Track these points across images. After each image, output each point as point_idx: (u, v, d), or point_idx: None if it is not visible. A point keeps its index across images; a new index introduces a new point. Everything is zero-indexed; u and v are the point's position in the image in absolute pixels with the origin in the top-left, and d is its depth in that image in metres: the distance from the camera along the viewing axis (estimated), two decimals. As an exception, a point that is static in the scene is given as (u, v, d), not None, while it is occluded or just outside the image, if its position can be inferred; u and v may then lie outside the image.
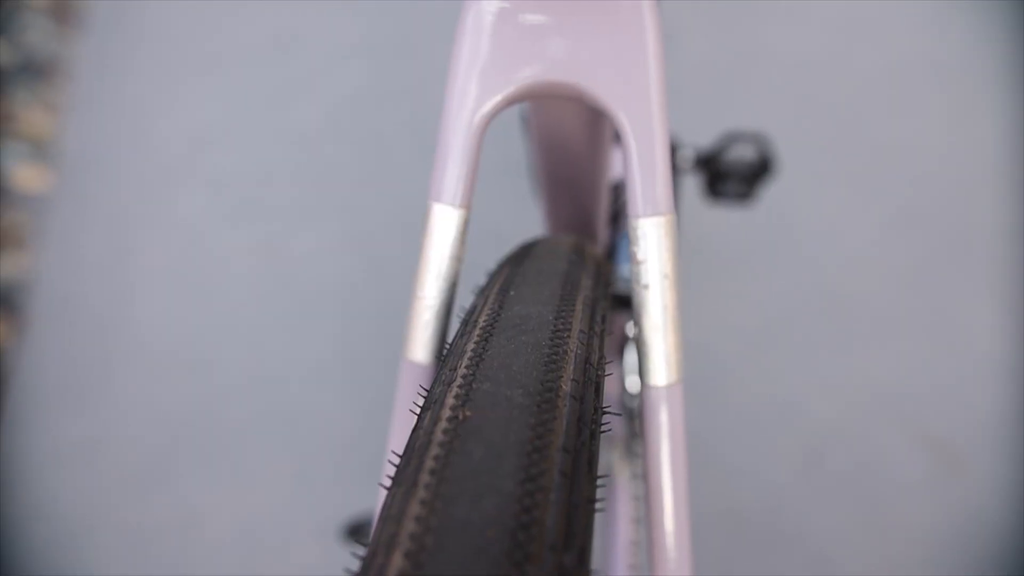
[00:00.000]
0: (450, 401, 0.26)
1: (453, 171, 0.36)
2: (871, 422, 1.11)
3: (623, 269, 0.67)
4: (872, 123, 1.30)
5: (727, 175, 0.93)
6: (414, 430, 0.26)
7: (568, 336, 0.30)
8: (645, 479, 0.39)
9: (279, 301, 1.21)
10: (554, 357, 0.28)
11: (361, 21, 1.40)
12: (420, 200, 1.25)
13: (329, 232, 1.25)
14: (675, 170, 0.91)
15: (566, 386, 0.27)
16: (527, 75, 0.35)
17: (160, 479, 1.10)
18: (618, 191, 0.67)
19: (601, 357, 0.31)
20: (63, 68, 1.40)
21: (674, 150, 0.91)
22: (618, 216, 0.69)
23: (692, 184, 1.09)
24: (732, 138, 0.90)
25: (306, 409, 1.13)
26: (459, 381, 0.27)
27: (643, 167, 0.35)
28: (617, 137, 0.38)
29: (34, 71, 1.40)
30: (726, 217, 1.21)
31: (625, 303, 0.71)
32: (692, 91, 1.31)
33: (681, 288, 1.19)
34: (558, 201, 0.55)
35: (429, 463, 0.24)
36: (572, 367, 0.28)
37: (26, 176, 1.31)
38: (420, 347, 0.37)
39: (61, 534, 1.08)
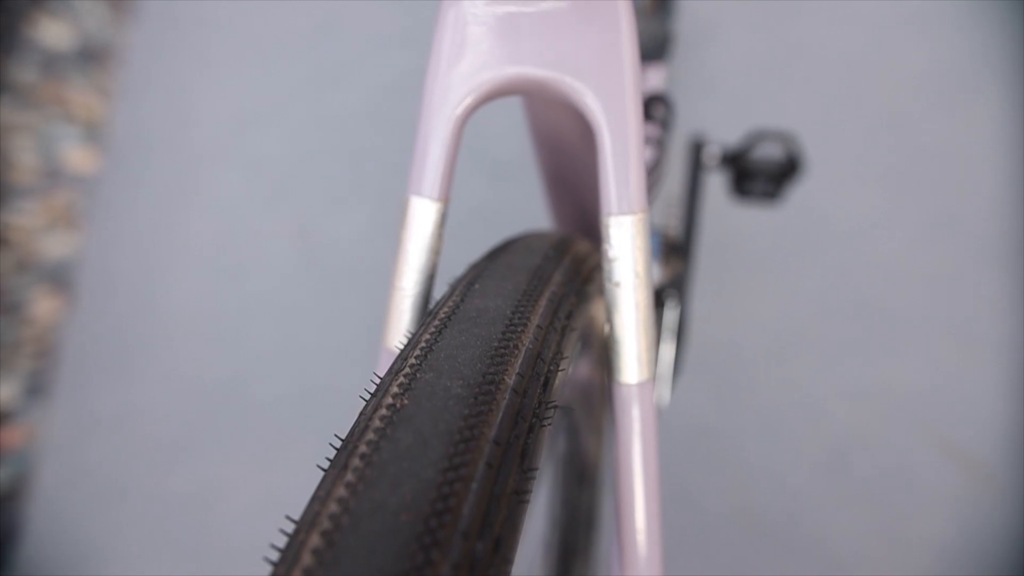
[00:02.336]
0: (393, 389, 0.27)
1: (431, 165, 0.37)
2: (896, 429, 1.08)
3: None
4: (912, 125, 1.26)
5: (753, 173, 0.91)
6: (358, 416, 0.27)
7: (522, 331, 0.31)
8: (615, 477, 0.39)
9: (310, 283, 1.24)
10: (501, 351, 0.29)
11: (400, 11, 1.41)
12: (454, 189, 1.26)
13: (361, 217, 1.27)
14: (700, 167, 0.90)
15: (509, 379, 0.28)
16: (503, 72, 0.36)
17: (189, 450, 1.14)
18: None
19: (557, 353, 0.32)
20: (116, 54, 1.45)
21: (699, 147, 0.91)
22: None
23: (718, 182, 1.08)
24: (759, 136, 0.89)
25: (331, 389, 1.16)
26: (406, 370, 0.28)
27: (617, 165, 0.36)
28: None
29: (90, 57, 1.46)
30: (757, 215, 1.19)
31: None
32: (727, 88, 1.29)
33: (708, 284, 1.18)
34: (559, 197, 0.55)
35: (361, 448, 0.25)
36: (520, 361, 0.29)
37: (79, 158, 1.37)
38: (397, 336, 0.38)
39: (95, 499, 1.13)
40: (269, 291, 1.24)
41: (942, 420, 1.09)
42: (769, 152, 0.90)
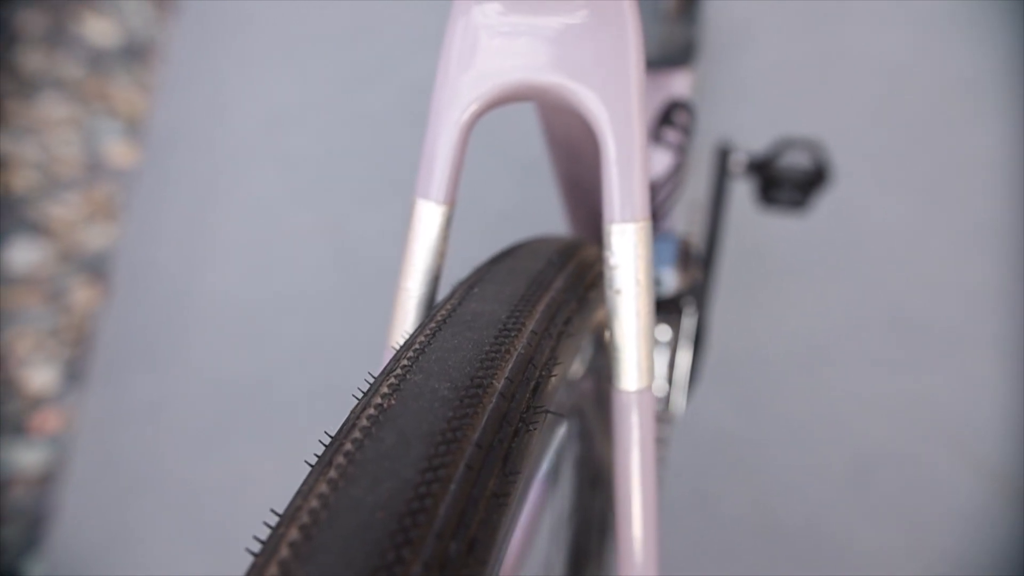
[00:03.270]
0: (383, 389, 0.28)
1: (438, 169, 0.38)
2: (925, 445, 1.07)
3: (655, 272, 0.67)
4: (952, 133, 1.24)
5: (780, 182, 0.91)
6: (348, 414, 0.28)
7: (515, 336, 0.31)
8: (614, 482, 0.40)
9: (340, 279, 1.25)
10: (492, 355, 0.29)
11: (435, 13, 1.42)
12: (484, 190, 1.27)
13: (393, 215, 1.29)
14: (726, 174, 0.90)
15: (497, 383, 0.28)
16: (509, 79, 0.36)
17: (218, 441, 1.17)
18: (652, 193, 0.66)
19: (551, 358, 0.32)
20: (158, 51, 1.48)
21: (726, 154, 0.90)
22: (654, 218, 0.69)
23: (744, 190, 1.07)
24: (786, 144, 0.88)
25: (358, 385, 1.18)
26: (397, 371, 0.29)
27: (620, 172, 0.36)
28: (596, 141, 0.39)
29: (133, 54, 1.49)
30: (790, 223, 1.18)
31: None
32: (759, 94, 1.28)
33: (736, 291, 1.17)
34: (574, 202, 0.55)
35: (347, 446, 0.25)
36: (510, 366, 0.29)
37: (119, 152, 1.41)
38: (399, 335, 0.39)
39: (127, 485, 1.16)
40: (300, 287, 1.26)
41: (972, 436, 1.06)
42: (796, 160, 0.89)
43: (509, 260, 0.38)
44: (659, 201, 0.70)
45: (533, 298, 0.34)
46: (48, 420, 1.19)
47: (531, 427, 0.28)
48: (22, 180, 1.37)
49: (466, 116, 0.37)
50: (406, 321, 0.39)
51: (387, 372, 0.29)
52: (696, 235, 0.84)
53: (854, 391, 1.11)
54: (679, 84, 0.77)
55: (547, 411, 0.31)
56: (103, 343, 1.25)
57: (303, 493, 0.24)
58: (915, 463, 1.06)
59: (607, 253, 0.36)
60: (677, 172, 0.67)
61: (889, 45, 1.30)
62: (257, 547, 0.24)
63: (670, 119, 0.68)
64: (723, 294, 1.18)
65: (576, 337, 0.36)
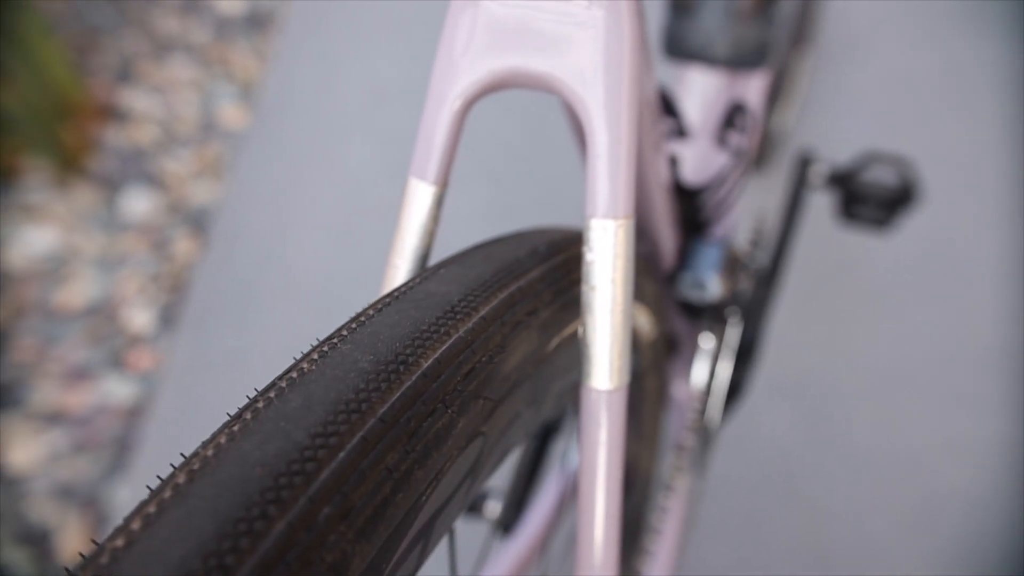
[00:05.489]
0: (313, 355, 0.29)
1: (432, 150, 0.38)
2: (1000, 491, 0.99)
3: (692, 276, 0.66)
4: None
5: (862, 198, 0.86)
6: (276, 376, 0.29)
7: (462, 319, 0.31)
8: (578, 482, 0.39)
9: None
10: (428, 334, 0.30)
11: None
12: (567, 181, 1.27)
13: (478, 198, 1.31)
14: (804, 184, 0.86)
15: (424, 362, 0.29)
16: (503, 65, 0.36)
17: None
18: (699, 196, 0.65)
19: (499, 346, 0.32)
20: (277, 21, 1.56)
21: (806, 163, 0.86)
22: (702, 223, 0.67)
23: (823, 202, 1.02)
24: (871, 158, 0.83)
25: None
26: (334, 340, 0.30)
27: (604, 167, 0.35)
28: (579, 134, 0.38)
29: (255, 23, 1.58)
30: (882, 242, 1.11)
31: (692, 311, 0.69)
32: (870, 107, 1.21)
33: (813, 308, 1.12)
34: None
35: (259, 403, 0.27)
36: (444, 348, 0.30)
37: (232, 115, 1.49)
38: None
39: (204, 426, 1.24)
40: (379, 259, 1.30)
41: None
42: (882, 176, 0.85)
43: (492, 246, 0.39)
44: (710, 205, 0.68)
45: (496, 284, 0.34)
46: (142, 358, 1.29)
47: (451, 409, 0.29)
48: (145, 134, 1.48)
49: (461, 101, 0.37)
50: (390, 296, 0.40)
51: (327, 339, 0.30)
52: (761, 245, 0.81)
53: (933, 427, 1.04)
54: (747, 87, 0.74)
55: (481, 397, 0.31)
56: (196, 293, 1.33)
57: (205, 443, 0.25)
58: (988, 511, 0.98)
59: (585, 248, 0.36)
60: (732, 177, 0.65)
61: (1010, 64, 1.20)
62: (155, 485, 0.25)
63: (732, 122, 0.65)
64: (802, 307, 1.13)
65: (542, 329, 0.36)
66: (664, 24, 0.70)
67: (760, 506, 1.04)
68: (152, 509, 0.23)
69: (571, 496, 0.83)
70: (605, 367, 0.37)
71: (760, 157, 1.11)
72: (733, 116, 0.65)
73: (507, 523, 0.79)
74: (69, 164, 1.41)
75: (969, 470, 1.00)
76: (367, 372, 0.27)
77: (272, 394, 0.27)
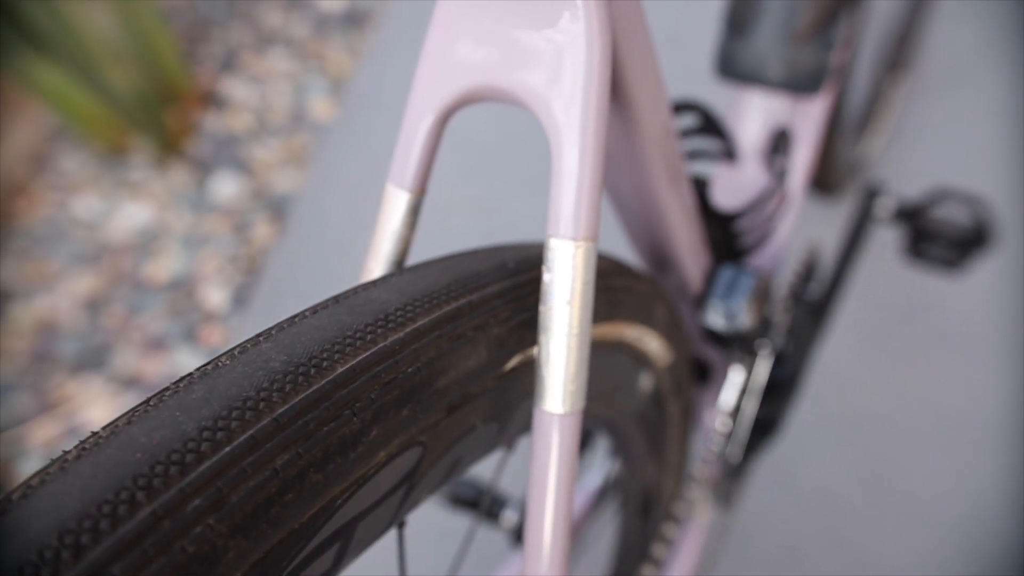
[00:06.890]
0: (235, 351, 0.29)
1: (410, 158, 0.39)
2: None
3: (718, 304, 0.63)
4: None
5: (931, 235, 0.81)
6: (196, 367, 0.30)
7: (393, 328, 0.31)
8: (527, 509, 0.38)
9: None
10: (352, 340, 0.30)
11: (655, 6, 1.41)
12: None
13: (539, 204, 1.30)
14: (868, 217, 0.82)
15: (339, 368, 0.29)
16: (478, 79, 0.36)
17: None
18: (732, 221, 0.62)
19: (431, 359, 0.32)
20: (373, 20, 1.60)
21: (872, 195, 0.82)
22: (735, 251, 0.65)
23: (889, 237, 0.96)
24: (942, 195, 0.78)
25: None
26: (259, 337, 0.30)
27: (568, 186, 0.34)
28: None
29: (352, 20, 1.63)
30: (959, 285, 1.04)
31: (720, 340, 0.67)
32: (965, 139, 1.14)
33: (883, 349, 1.06)
34: (628, 225, 0.54)
35: (168, 391, 0.27)
36: (365, 355, 0.30)
37: (321, 108, 1.55)
38: None
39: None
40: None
41: None
42: (953, 215, 0.79)
43: (460, 257, 0.38)
44: (742, 229, 0.65)
45: (444, 296, 0.34)
46: (213, 334, 1.35)
47: (359, 416, 0.28)
48: (240, 122, 1.55)
49: (438, 111, 0.37)
50: (361, 298, 0.40)
51: (257, 336, 0.31)
52: (811, 277, 0.77)
53: (996, 482, 0.96)
54: (803, 112, 0.71)
55: (406, 407, 0.30)
56: (269, 277, 1.39)
57: (108, 424, 0.26)
58: (1056, 589, 0.90)
59: (544, 267, 0.35)
60: (771, 204, 0.62)
61: None
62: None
63: (777, 147, 0.63)
64: (871, 347, 1.07)
65: (496, 346, 0.36)
66: (718, 43, 0.68)
67: (801, 549, 0.99)
68: (35, 481, 0.24)
69: (590, 508, 0.81)
70: (558, 390, 0.36)
71: (831, 185, 1.06)
72: (778, 142, 0.63)
73: (523, 532, 0.78)
74: (170, 146, 1.50)
75: (1035, 539, 0.92)
76: (275, 372, 0.28)
77: (182, 384, 0.28)
